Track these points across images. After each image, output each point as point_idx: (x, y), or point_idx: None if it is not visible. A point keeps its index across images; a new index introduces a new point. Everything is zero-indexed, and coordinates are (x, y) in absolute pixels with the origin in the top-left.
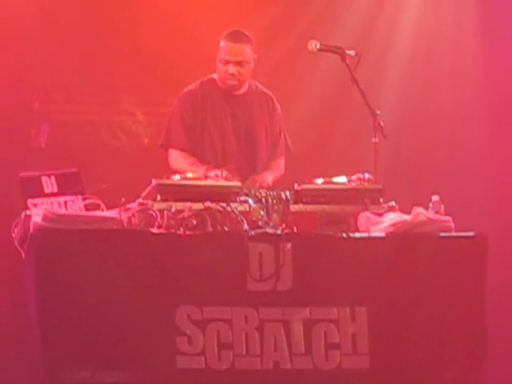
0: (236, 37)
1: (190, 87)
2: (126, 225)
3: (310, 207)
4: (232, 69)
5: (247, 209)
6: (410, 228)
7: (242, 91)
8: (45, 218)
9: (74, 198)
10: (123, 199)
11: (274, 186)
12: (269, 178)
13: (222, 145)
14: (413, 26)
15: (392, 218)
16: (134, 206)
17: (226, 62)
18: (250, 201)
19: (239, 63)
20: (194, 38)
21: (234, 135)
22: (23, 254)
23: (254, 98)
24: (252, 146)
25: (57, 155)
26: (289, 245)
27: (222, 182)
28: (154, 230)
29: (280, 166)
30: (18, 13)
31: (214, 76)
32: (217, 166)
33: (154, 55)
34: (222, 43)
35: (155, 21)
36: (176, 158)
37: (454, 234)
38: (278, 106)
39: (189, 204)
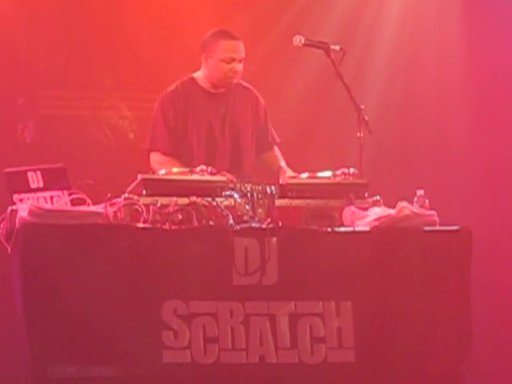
0: (233, 35)
1: (170, 88)
2: (111, 219)
3: (295, 202)
4: (237, 66)
5: (232, 203)
6: (394, 222)
7: (224, 89)
8: (31, 212)
9: (59, 193)
10: (109, 194)
11: (260, 181)
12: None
13: (207, 144)
14: (397, 21)
15: (377, 212)
16: (119, 200)
17: (232, 60)
18: (236, 195)
19: (241, 60)
20: (179, 34)
21: (218, 133)
22: (9, 249)
23: (235, 94)
24: (238, 143)
25: (42, 150)
26: (274, 239)
27: (208, 177)
28: (140, 225)
29: (279, 154)
30: (1, 9)
31: (195, 75)
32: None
33: (140, 51)
34: (221, 43)
35: (141, 16)
36: (160, 162)
37: (438, 228)
38: (261, 99)
39: (174, 199)
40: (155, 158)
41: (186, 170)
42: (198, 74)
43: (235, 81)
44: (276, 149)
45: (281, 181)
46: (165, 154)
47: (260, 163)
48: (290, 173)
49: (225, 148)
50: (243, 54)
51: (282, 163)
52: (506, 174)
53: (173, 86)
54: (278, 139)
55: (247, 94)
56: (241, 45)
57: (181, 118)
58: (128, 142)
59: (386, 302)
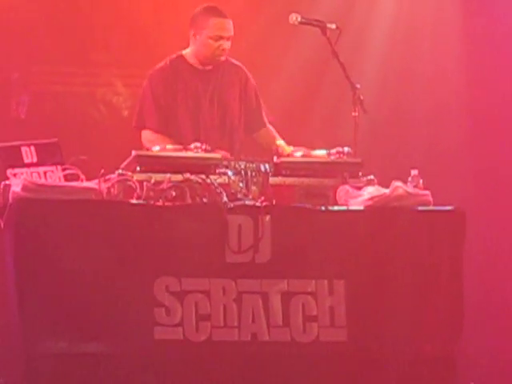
0: (222, 12)
1: (159, 65)
2: (105, 195)
3: (289, 180)
4: (225, 44)
5: (226, 181)
6: (388, 202)
7: (211, 66)
8: (24, 187)
9: (53, 168)
10: (103, 170)
11: (254, 159)
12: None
13: (196, 121)
14: (394, 1)
15: (371, 191)
16: (113, 176)
17: (220, 38)
18: (230, 173)
19: (229, 38)
20: (175, 11)
21: (207, 110)
22: (2, 224)
23: (224, 71)
24: (226, 120)
25: (37, 126)
26: (268, 217)
27: (202, 154)
28: (133, 201)
29: (275, 132)
30: None
31: (183, 52)
32: (191, 142)
33: (135, 27)
34: (211, 20)
35: None
36: (151, 139)
37: (432, 208)
38: (250, 76)
39: (168, 175)
40: (147, 135)
41: (180, 146)
42: (186, 51)
43: (222, 58)
44: (270, 127)
45: (275, 159)
46: (155, 131)
47: (255, 141)
48: (288, 149)
49: (213, 125)
50: (231, 32)
51: (280, 141)
52: (501, 155)
53: (161, 64)
54: (270, 117)
55: (236, 72)
56: (229, 22)
57: (170, 95)
58: (122, 119)
59: (379, 282)
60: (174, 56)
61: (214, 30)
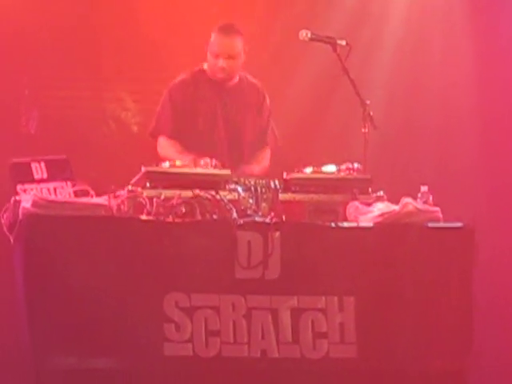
0: (227, 30)
1: (181, 77)
2: (115, 211)
3: (298, 196)
4: (222, 62)
5: (236, 197)
6: (398, 218)
7: (232, 83)
8: (34, 203)
9: (63, 184)
10: (112, 186)
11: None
12: (255, 169)
13: (211, 134)
14: (403, 16)
15: (380, 207)
16: (123, 193)
17: (217, 56)
18: (239, 189)
19: (230, 56)
20: (186, 26)
21: (222, 125)
22: (12, 240)
23: (243, 90)
24: (238, 137)
25: (46, 142)
26: (277, 233)
27: (212, 170)
28: (143, 217)
29: (265, 157)
30: (5, 0)
31: (205, 66)
32: (205, 155)
33: (145, 42)
34: (213, 36)
35: (148, 7)
36: (164, 145)
37: (442, 224)
38: (267, 97)
39: (178, 192)
40: (160, 142)
41: (188, 160)
42: (207, 67)
43: (220, 75)
44: (265, 152)
45: (285, 175)
46: (169, 137)
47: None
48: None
49: (227, 140)
50: (233, 52)
51: (256, 167)
52: (510, 171)
53: (183, 75)
54: (278, 140)
55: (255, 92)
56: (232, 41)
57: (188, 105)
58: (132, 135)
59: (389, 298)
60: (196, 69)
61: (212, 47)
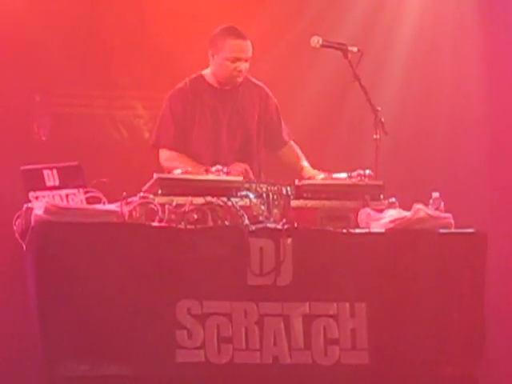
0: (240, 34)
1: (179, 85)
2: (127, 218)
3: (310, 203)
4: (242, 65)
5: (248, 204)
6: (409, 224)
7: (232, 86)
8: (46, 210)
9: (75, 191)
10: (124, 193)
11: (275, 181)
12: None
13: (215, 142)
14: (415, 23)
15: (392, 214)
16: (135, 199)
17: (236, 60)
18: (251, 196)
19: (247, 59)
20: (197, 33)
21: (226, 131)
22: (24, 247)
23: (244, 91)
24: (245, 140)
25: (58, 148)
26: (289, 240)
27: (223, 177)
28: (155, 224)
29: (298, 149)
30: (17, 6)
31: (203, 72)
32: (209, 163)
33: (156, 49)
34: (227, 41)
35: (158, 14)
36: (165, 157)
37: (453, 230)
38: (271, 95)
39: (190, 198)
40: (162, 154)
41: (202, 169)
42: (206, 72)
43: (239, 79)
44: (293, 144)
45: (296, 181)
46: (170, 149)
47: (278, 160)
48: (311, 172)
49: (231, 147)
50: (249, 54)
51: (304, 163)
52: None
53: (181, 84)
54: (291, 137)
55: (256, 91)
56: (247, 44)
57: (189, 114)
58: (143, 141)
59: (401, 304)
60: (194, 76)
61: (230, 52)
